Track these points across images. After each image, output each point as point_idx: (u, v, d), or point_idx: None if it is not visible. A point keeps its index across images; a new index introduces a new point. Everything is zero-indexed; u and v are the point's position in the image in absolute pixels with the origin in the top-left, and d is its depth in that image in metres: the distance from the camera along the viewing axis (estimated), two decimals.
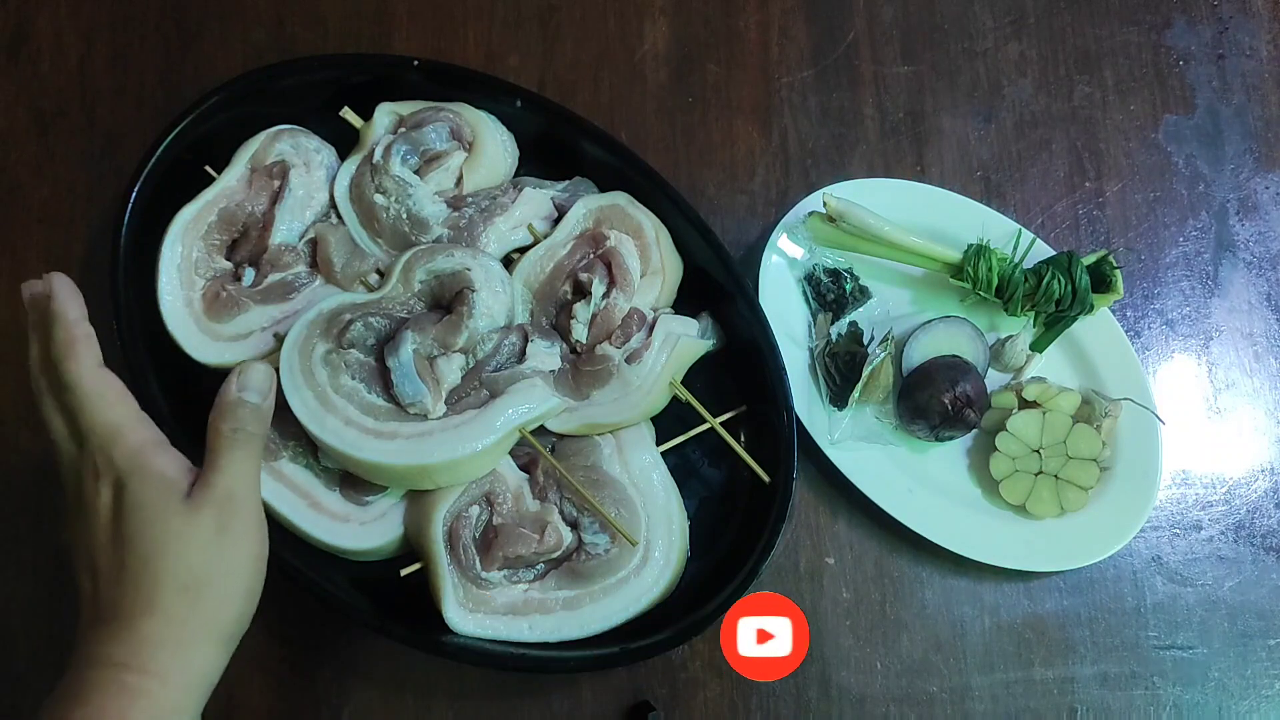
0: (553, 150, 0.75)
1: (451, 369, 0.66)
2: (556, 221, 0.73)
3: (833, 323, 0.75)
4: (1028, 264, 0.75)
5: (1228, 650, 0.74)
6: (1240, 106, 0.84)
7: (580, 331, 0.69)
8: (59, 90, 0.79)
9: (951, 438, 0.72)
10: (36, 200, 0.77)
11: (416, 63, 0.74)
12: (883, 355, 0.72)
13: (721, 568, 0.68)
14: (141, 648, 0.48)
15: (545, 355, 0.68)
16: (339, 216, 0.72)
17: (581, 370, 0.69)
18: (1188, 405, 0.78)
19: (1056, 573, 0.74)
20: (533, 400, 0.66)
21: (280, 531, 0.65)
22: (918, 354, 0.74)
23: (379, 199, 0.71)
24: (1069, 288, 0.73)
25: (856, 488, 0.71)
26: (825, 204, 0.73)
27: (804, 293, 0.76)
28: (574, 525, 0.67)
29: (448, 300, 0.68)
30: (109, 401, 0.51)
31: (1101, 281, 0.74)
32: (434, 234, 0.71)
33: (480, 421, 0.64)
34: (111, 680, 0.47)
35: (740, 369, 0.72)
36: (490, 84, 0.75)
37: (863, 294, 0.76)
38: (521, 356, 0.68)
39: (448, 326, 0.66)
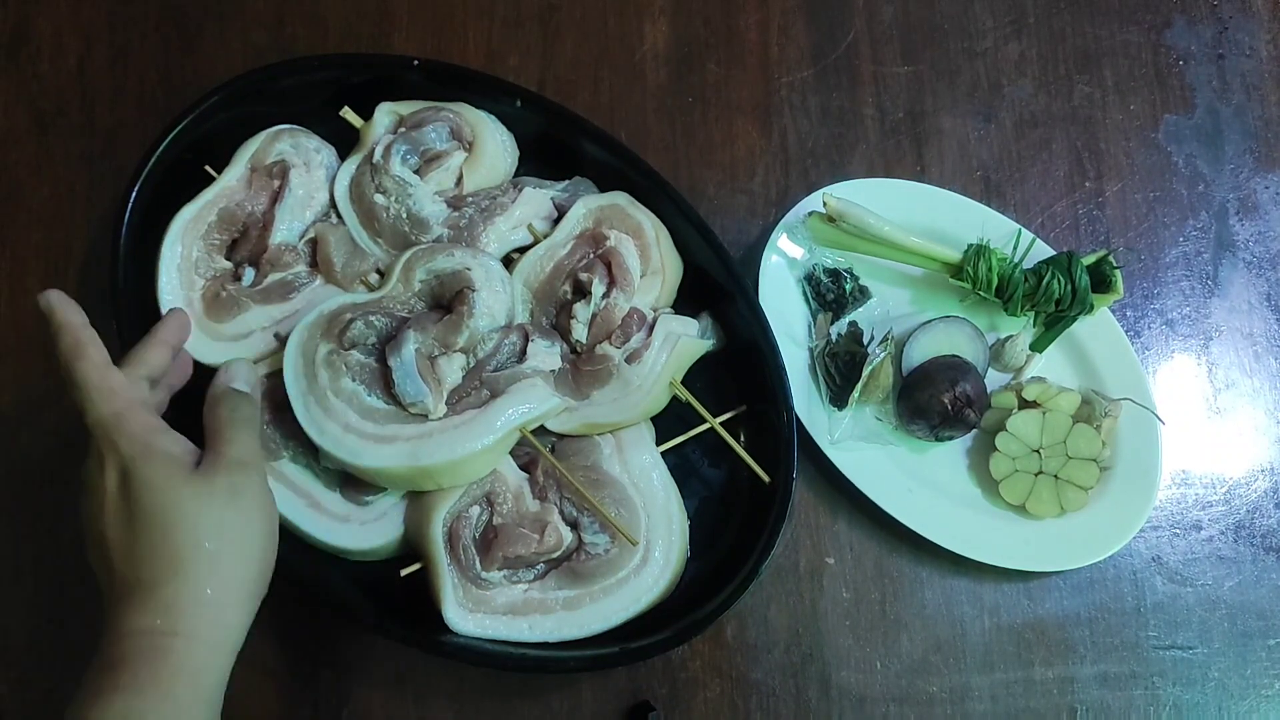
0: (553, 150, 0.75)
1: (453, 369, 0.66)
2: (556, 221, 0.73)
3: (833, 323, 0.75)
4: (1028, 264, 0.75)
5: (1228, 650, 0.74)
6: (1240, 106, 0.84)
7: (580, 331, 0.69)
8: (59, 90, 0.79)
9: (951, 438, 0.72)
10: (36, 200, 0.77)
11: (416, 63, 0.74)
12: (883, 355, 0.72)
13: (721, 568, 0.68)
14: (168, 611, 0.49)
15: (546, 355, 0.69)
16: (339, 216, 0.72)
17: (581, 370, 0.69)
18: (1188, 405, 0.78)
19: (1056, 573, 0.74)
20: (533, 400, 0.66)
21: (280, 531, 0.65)
22: (918, 354, 0.74)
23: (379, 199, 0.71)
24: (1069, 288, 0.73)
25: (856, 488, 0.71)
26: (825, 204, 0.73)
27: (804, 293, 0.76)
28: (574, 525, 0.67)
29: (448, 300, 0.68)
30: (113, 393, 0.53)
31: (1101, 281, 0.74)
32: (434, 234, 0.71)
33: (481, 421, 0.64)
34: (141, 647, 0.49)
35: (740, 369, 0.72)
36: (490, 84, 0.75)
37: (863, 294, 0.76)
38: (522, 356, 0.68)
39: (448, 326, 0.67)
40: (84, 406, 0.53)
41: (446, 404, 0.66)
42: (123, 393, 0.54)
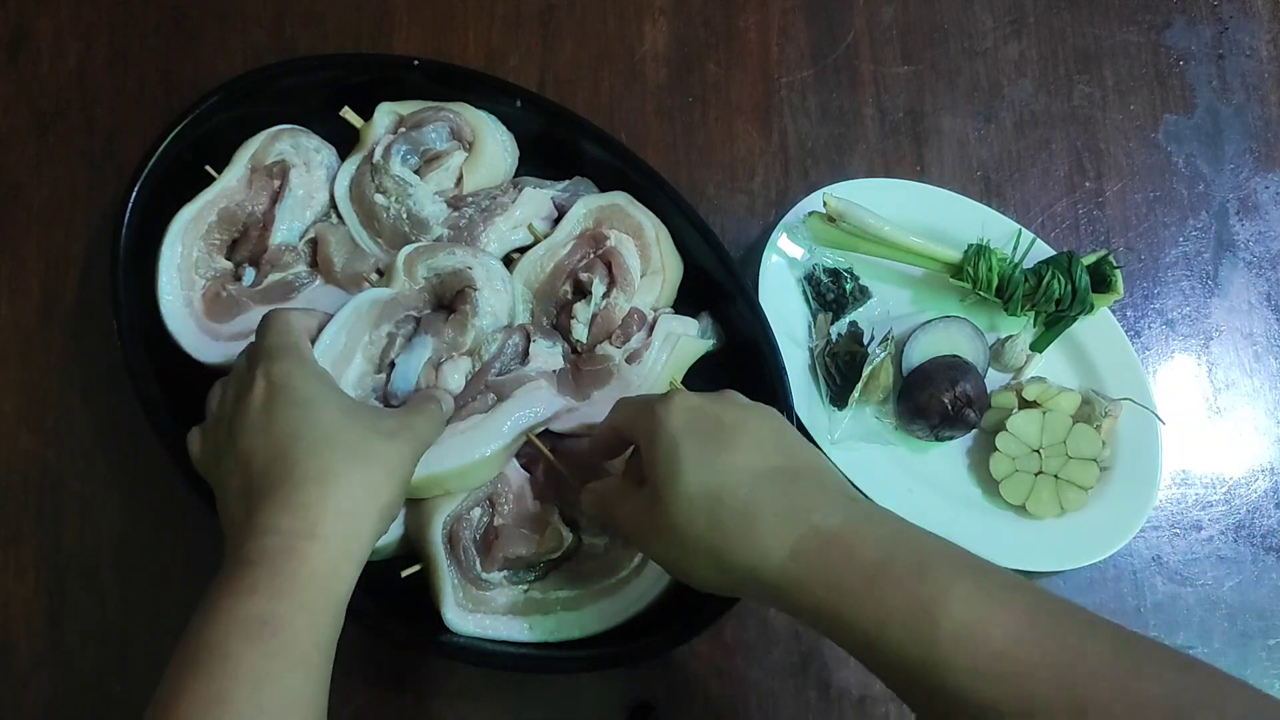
0: (553, 150, 0.75)
1: (457, 375, 0.66)
2: (556, 221, 0.73)
3: (833, 323, 0.75)
4: (1028, 264, 0.75)
5: (1228, 650, 0.74)
6: (1240, 106, 0.84)
7: (580, 331, 0.69)
8: (59, 90, 0.79)
9: (951, 438, 0.72)
10: (36, 200, 0.77)
11: (416, 63, 0.74)
12: (883, 355, 0.72)
13: None
14: (307, 513, 0.49)
15: (548, 355, 0.69)
16: (339, 216, 0.72)
17: (582, 370, 0.69)
18: (1188, 405, 0.78)
19: (1056, 573, 0.73)
20: (539, 403, 0.66)
21: None
22: (918, 354, 0.74)
23: (379, 199, 0.71)
24: (1069, 288, 0.73)
25: (857, 487, 0.71)
26: (825, 204, 0.73)
27: (804, 293, 0.76)
28: (574, 526, 0.67)
29: (449, 299, 0.68)
30: (297, 328, 0.59)
31: (1101, 281, 0.74)
32: (434, 234, 0.71)
33: (488, 426, 0.64)
34: (279, 546, 0.49)
35: (740, 369, 0.72)
36: (490, 84, 0.75)
37: (863, 294, 0.76)
38: (525, 357, 0.68)
39: (455, 326, 0.66)
40: (265, 332, 0.58)
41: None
42: (301, 334, 0.60)
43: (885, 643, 0.46)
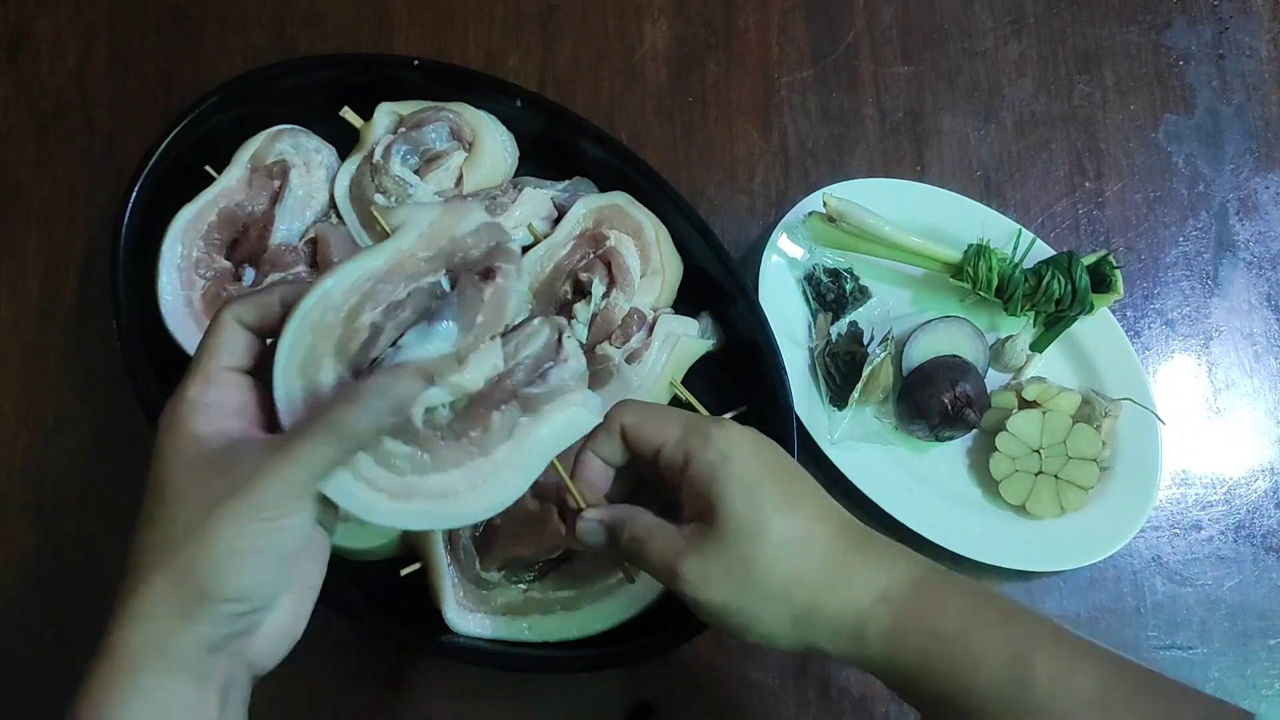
0: (553, 150, 0.75)
1: (478, 373, 0.47)
2: (556, 221, 0.73)
3: (833, 323, 0.75)
4: (1028, 264, 0.75)
5: (1228, 650, 0.74)
6: (1240, 106, 0.84)
7: (580, 331, 0.69)
8: (59, 90, 0.79)
9: (951, 438, 0.72)
10: (36, 200, 0.77)
11: (416, 63, 0.74)
12: (883, 355, 0.72)
13: None
14: (112, 615, 0.40)
15: (575, 350, 0.51)
16: (339, 216, 0.72)
17: None
18: (1188, 405, 0.78)
19: (1056, 573, 0.73)
20: (575, 427, 0.50)
21: None
22: (918, 354, 0.74)
23: (379, 199, 0.71)
24: (1069, 288, 0.73)
25: (856, 488, 0.71)
26: (825, 204, 0.73)
27: (804, 293, 0.76)
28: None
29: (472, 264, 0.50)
30: (203, 346, 0.44)
31: (1101, 281, 0.74)
32: None
33: (514, 463, 0.48)
34: (90, 668, 0.40)
35: (740, 369, 0.72)
36: (490, 84, 0.75)
37: (863, 294, 0.76)
38: (559, 352, 0.50)
39: (493, 303, 0.48)
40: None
41: (466, 423, 0.49)
42: (209, 355, 0.43)
43: (980, 686, 0.46)
